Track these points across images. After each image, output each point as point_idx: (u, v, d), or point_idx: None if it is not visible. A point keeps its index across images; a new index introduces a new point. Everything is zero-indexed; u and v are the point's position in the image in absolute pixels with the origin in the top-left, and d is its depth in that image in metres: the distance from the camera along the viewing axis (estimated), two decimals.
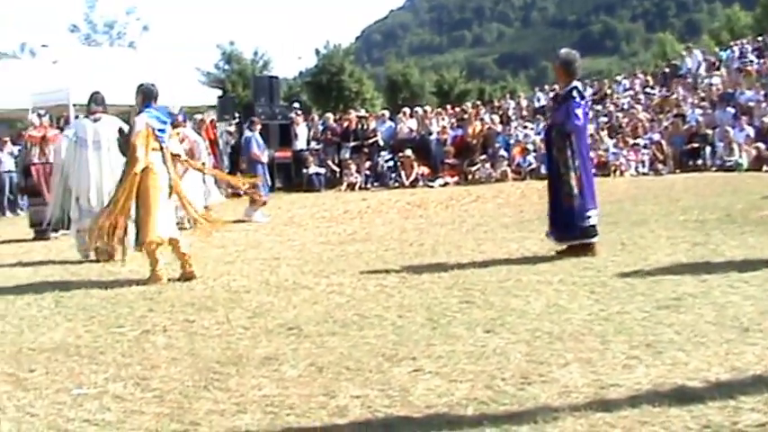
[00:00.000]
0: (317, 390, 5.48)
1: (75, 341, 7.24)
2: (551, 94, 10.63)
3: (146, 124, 9.93)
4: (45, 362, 6.58)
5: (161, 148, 9.99)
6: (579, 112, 10.15)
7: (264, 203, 17.33)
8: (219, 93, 30.72)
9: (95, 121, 12.22)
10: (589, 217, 10.10)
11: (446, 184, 23.72)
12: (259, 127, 18.47)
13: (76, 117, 12.51)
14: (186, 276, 10.02)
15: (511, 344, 6.34)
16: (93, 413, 5.26)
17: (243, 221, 16.60)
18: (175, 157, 10.45)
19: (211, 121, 22.17)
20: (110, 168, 11.91)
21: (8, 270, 11.58)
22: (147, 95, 10.22)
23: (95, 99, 12.48)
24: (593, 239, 10.12)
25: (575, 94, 10.16)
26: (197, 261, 10.47)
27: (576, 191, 10.05)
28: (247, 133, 17.89)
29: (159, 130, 10.02)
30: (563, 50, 10.58)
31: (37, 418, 5.24)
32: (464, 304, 7.82)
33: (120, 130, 10.85)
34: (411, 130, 26.68)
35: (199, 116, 22.70)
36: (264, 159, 17.36)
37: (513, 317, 7.20)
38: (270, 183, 17.56)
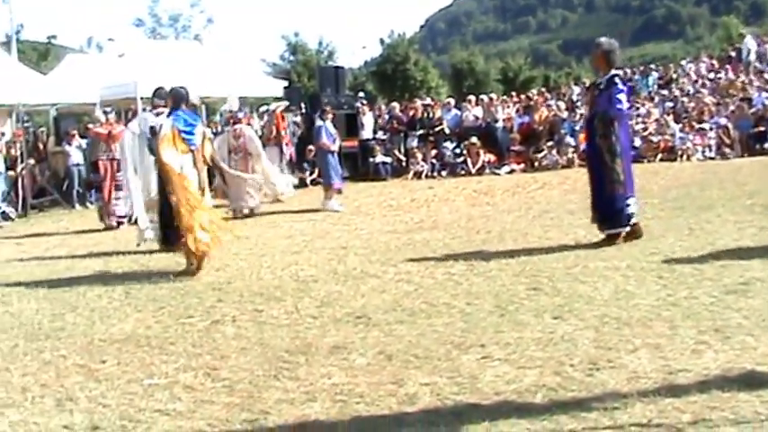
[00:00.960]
0: (385, 378, 5.50)
1: (145, 332, 7.34)
2: (586, 84, 10.53)
3: (171, 127, 10.14)
4: (116, 353, 6.69)
5: (190, 151, 10.16)
6: (622, 97, 10.09)
7: (339, 192, 17.28)
8: (285, 84, 30.79)
9: (158, 115, 12.34)
10: (629, 205, 10.04)
11: (512, 171, 23.53)
12: (331, 116, 18.45)
13: (143, 110, 12.60)
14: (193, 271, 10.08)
15: (579, 330, 6.30)
16: (164, 403, 5.33)
17: (314, 211, 16.63)
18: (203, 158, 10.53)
19: (283, 111, 22.20)
20: None
21: (79, 262, 11.76)
22: (177, 99, 10.44)
23: (158, 94, 12.61)
24: (627, 228, 10.06)
25: (617, 80, 10.11)
26: (266, 250, 10.52)
27: (622, 177, 10.00)
28: (318, 122, 17.84)
29: (186, 133, 10.19)
30: (603, 39, 10.45)
31: (109, 408, 5.32)
32: (532, 291, 7.78)
33: (152, 129, 10.95)
34: (477, 118, 26.51)
35: (272, 105, 22.71)
36: (334, 149, 17.29)
37: (581, 303, 7.14)
38: (342, 172, 17.46)
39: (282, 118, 21.55)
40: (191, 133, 10.23)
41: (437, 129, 26.05)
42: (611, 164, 9.94)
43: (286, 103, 22.71)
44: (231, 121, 18.22)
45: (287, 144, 20.64)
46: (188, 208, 9.92)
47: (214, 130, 23.03)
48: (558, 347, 5.89)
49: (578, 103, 28.55)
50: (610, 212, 10.03)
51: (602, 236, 10.15)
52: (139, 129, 12.71)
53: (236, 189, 16.75)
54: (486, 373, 5.43)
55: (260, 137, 19.07)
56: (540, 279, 8.27)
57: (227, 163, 16.41)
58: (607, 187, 10.00)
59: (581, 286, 7.80)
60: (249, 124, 18.44)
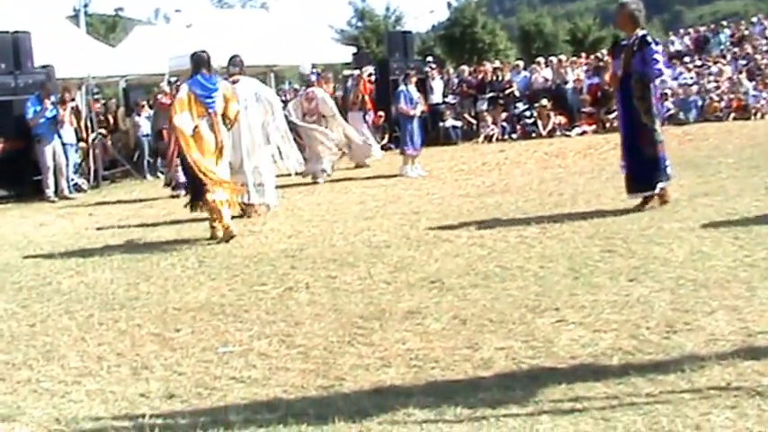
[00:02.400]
0: (460, 342, 5.49)
1: (219, 300, 7.41)
2: (609, 47, 9.99)
3: (187, 92, 10.48)
4: (190, 321, 6.75)
5: (208, 114, 10.48)
6: (659, 57, 9.93)
7: (414, 158, 17.13)
8: (354, 50, 30.76)
9: (234, 83, 12.44)
10: (668, 165, 9.99)
11: (583, 132, 23.28)
12: (414, 80, 18.37)
13: (224, 78, 12.72)
14: (226, 236, 10.38)
15: (655, 292, 6.22)
16: (239, 371, 5.37)
17: (385, 177, 16.63)
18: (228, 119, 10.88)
19: (369, 75, 22.08)
20: (247, 126, 12.16)
21: (151, 231, 11.89)
22: (197, 64, 10.70)
23: (234, 62, 12.76)
24: (666, 184, 10.00)
25: (650, 39, 9.92)
26: (338, 216, 10.56)
27: (661, 137, 9.95)
28: (401, 87, 17.72)
29: (205, 97, 10.51)
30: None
31: (184, 376, 5.37)
32: (606, 253, 7.70)
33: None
34: (546, 80, 26.25)
35: (357, 71, 22.53)
36: (414, 113, 17.10)
37: (657, 265, 7.05)
38: (420, 137, 17.34)
39: (367, 83, 21.38)
40: (209, 97, 10.53)
41: (507, 91, 25.85)
42: (652, 125, 9.85)
43: (371, 68, 22.51)
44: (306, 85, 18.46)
45: (370, 109, 20.48)
46: (197, 167, 10.31)
47: (284, 98, 23.13)
48: (633, 310, 5.82)
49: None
50: (652, 173, 9.87)
51: (636, 201, 10.02)
52: None
53: (310, 151, 16.88)
54: (562, 337, 5.39)
55: (338, 102, 19.34)
56: (615, 241, 8.18)
57: (296, 127, 16.64)
58: (648, 150, 9.86)
59: (656, 248, 7.69)
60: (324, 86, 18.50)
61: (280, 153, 12.62)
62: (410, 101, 17.13)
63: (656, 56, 9.84)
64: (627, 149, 10.14)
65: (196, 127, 10.39)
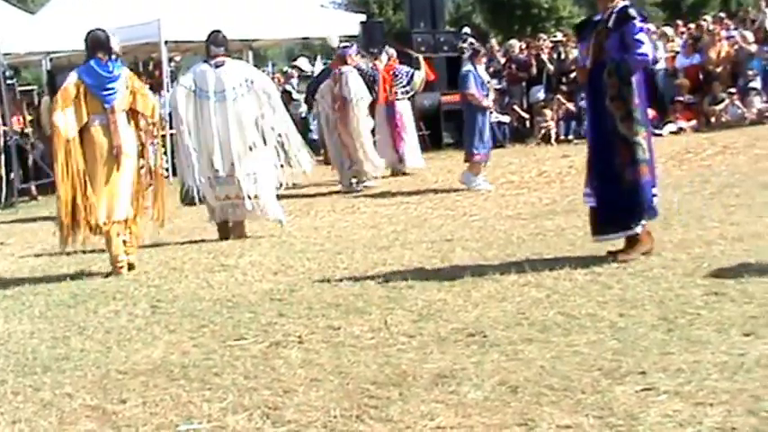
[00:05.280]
0: (510, 418, 5.48)
1: (179, 359, 7.41)
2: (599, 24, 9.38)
3: (75, 81, 10.83)
4: (140, 389, 6.73)
5: (103, 110, 10.83)
6: (644, 38, 9.51)
7: (484, 165, 17.04)
8: (362, 18, 30.81)
9: (218, 66, 12.59)
10: (655, 195, 9.60)
11: (680, 130, 23.33)
12: (485, 60, 18.47)
13: (204, 61, 12.91)
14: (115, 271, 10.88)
15: None
16: None
17: (406, 194, 16.67)
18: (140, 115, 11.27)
19: (393, 60, 22.06)
20: (237, 122, 12.58)
21: (87, 264, 11.89)
22: (92, 45, 11.07)
23: (216, 40, 12.90)
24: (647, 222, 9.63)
25: (633, 13, 9.43)
26: (342, 246, 10.59)
27: (647, 155, 9.46)
28: (467, 67, 17.67)
29: (99, 88, 10.84)
30: None
31: None
32: (712, 296, 7.70)
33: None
34: None
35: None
36: (487, 104, 16.98)
37: None
38: (496, 138, 17.36)
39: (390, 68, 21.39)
40: (105, 88, 10.82)
41: (572, 75, 25.89)
42: (632, 137, 9.39)
43: (392, 51, 22.47)
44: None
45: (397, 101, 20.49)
46: (66, 182, 10.77)
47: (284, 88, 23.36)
48: (751, 376, 5.80)
49: None
50: (633, 206, 9.45)
51: (610, 246, 9.67)
52: (195, 84, 13.01)
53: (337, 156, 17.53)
54: (650, 412, 5.38)
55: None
56: (724, 280, 8.17)
57: (329, 119, 18.02)
58: (626, 172, 9.41)
59: None
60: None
61: (286, 156, 12.92)
62: (481, 85, 16.99)
63: (640, 35, 9.43)
64: (596, 171, 9.78)
65: (85, 126, 10.77)
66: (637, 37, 9.33)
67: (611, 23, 9.43)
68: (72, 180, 10.74)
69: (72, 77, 10.96)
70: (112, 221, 10.82)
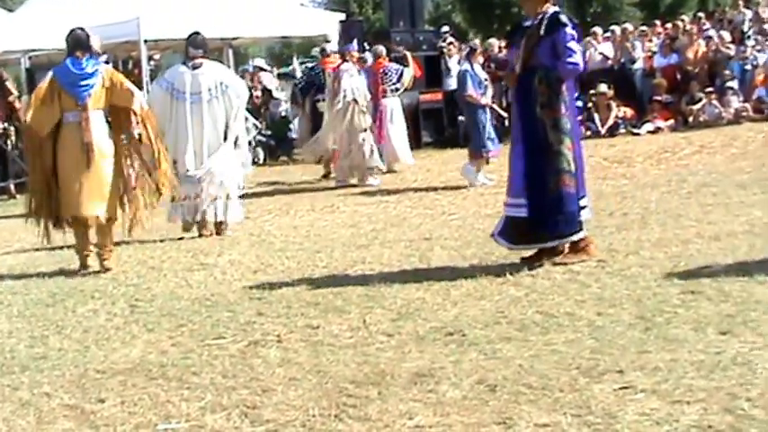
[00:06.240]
0: (488, 417, 5.49)
1: (158, 359, 7.39)
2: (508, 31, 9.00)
3: (49, 80, 11.00)
4: (119, 388, 6.72)
5: (77, 107, 10.89)
6: (575, 46, 9.41)
7: (487, 161, 17.05)
8: (342, 17, 30.79)
9: (195, 68, 12.68)
10: (583, 207, 9.47)
11: (657, 129, 23.35)
12: (481, 59, 18.51)
13: (183, 63, 13.07)
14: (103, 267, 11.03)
15: (757, 350, 6.23)
16: None
17: (386, 192, 16.67)
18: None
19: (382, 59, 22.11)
20: (212, 122, 12.78)
21: (66, 263, 11.73)
22: (72, 44, 11.16)
23: (195, 42, 13.05)
24: (581, 234, 9.46)
25: (563, 19, 9.37)
26: (321, 244, 10.60)
27: (571, 166, 9.30)
28: (463, 66, 17.70)
29: (72, 85, 10.91)
30: None
31: None
32: (689, 295, 7.72)
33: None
34: (606, 58, 26.33)
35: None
36: (485, 101, 17.02)
37: (760, 311, 7.06)
38: (494, 136, 17.31)
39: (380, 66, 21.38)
40: (78, 85, 10.89)
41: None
42: (558, 146, 9.27)
43: (382, 49, 22.41)
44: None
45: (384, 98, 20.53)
46: (37, 177, 11.09)
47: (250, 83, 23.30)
48: (727, 374, 5.82)
49: (749, 33, 28.13)
50: (553, 216, 9.31)
51: (529, 252, 9.57)
52: (172, 85, 13.15)
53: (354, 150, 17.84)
54: (628, 410, 5.38)
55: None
56: (701, 279, 8.19)
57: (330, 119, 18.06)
58: (550, 181, 9.26)
59: (758, 288, 7.71)
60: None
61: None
62: (479, 84, 17.00)
63: (571, 43, 9.31)
64: (527, 179, 9.55)
65: (59, 124, 10.88)
66: (568, 45, 9.26)
67: (542, 30, 9.36)
68: (43, 175, 10.94)
69: (48, 76, 11.14)
70: (83, 216, 10.90)
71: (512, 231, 9.56)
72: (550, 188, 9.25)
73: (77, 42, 11.09)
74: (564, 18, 9.37)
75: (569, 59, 9.25)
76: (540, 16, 9.38)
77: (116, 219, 11.17)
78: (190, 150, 12.79)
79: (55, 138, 10.91)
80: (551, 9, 9.42)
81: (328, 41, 22.80)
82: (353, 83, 18.00)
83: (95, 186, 10.90)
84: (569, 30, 9.29)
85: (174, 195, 12.59)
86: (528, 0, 9.65)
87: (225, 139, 12.94)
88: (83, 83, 10.89)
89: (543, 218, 9.31)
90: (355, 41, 20.37)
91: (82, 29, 11.31)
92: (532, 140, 9.43)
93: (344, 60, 18.59)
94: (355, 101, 17.73)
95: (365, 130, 17.93)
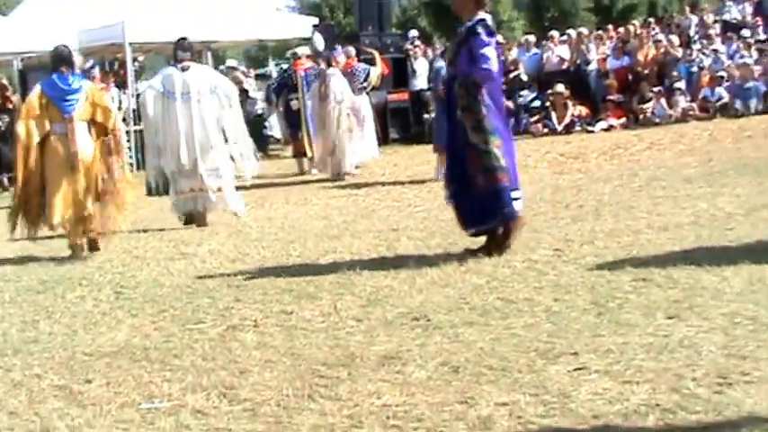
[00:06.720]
0: (451, 396, 5.48)
1: (141, 342, 7.38)
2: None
3: (38, 94, 11.22)
4: (105, 369, 6.71)
5: (63, 119, 11.12)
6: (490, 52, 9.34)
7: None
8: (315, 21, 30.73)
9: (184, 70, 12.80)
10: (516, 199, 9.40)
11: (610, 127, 23.39)
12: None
13: (171, 64, 13.33)
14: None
15: (702, 333, 6.23)
16: None
17: (356, 186, 16.66)
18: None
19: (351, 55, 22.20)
20: (200, 122, 12.94)
21: (55, 252, 11.75)
22: (55, 60, 11.44)
23: (182, 46, 13.29)
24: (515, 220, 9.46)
25: (479, 29, 9.32)
26: (295, 235, 10.60)
27: (502, 162, 9.26)
28: (438, 63, 17.68)
29: (60, 99, 11.16)
30: None
31: None
32: (639, 282, 7.72)
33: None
34: (562, 60, 26.36)
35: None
36: None
37: (705, 298, 7.07)
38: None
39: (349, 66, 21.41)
40: (65, 99, 11.13)
41: (512, 75, 25.93)
42: (484, 145, 9.22)
43: (351, 50, 22.39)
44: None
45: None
46: (24, 183, 11.21)
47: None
48: (674, 356, 5.83)
49: (696, 38, 28.22)
50: (489, 209, 9.31)
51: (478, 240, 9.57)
52: (163, 87, 13.29)
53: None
54: (582, 390, 5.39)
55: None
56: (651, 267, 8.18)
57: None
58: (479, 178, 9.27)
59: (704, 276, 7.71)
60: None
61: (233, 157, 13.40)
62: None
63: (485, 50, 9.26)
64: (452, 176, 9.73)
65: (47, 135, 11.09)
66: (482, 51, 9.21)
67: (462, 38, 9.45)
68: (30, 181, 11.10)
69: (36, 90, 11.38)
70: (70, 219, 11.13)
71: (457, 220, 9.74)
72: (478, 185, 9.26)
73: (61, 58, 11.35)
74: (480, 28, 9.32)
75: (483, 65, 9.21)
76: (466, 25, 9.44)
77: (94, 215, 11.30)
78: (183, 146, 12.92)
79: (42, 147, 11.09)
80: (477, 17, 9.40)
81: (315, 44, 22.75)
82: (340, 86, 18.03)
83: (81, 192, 11.10)
84: (484, 37, 9.27)
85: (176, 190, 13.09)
86: (460, 8, 9.66)
87: (219, 135, 13.14)
88: (69, 97, 11.14)
89: (472, 211, 9.44)
90: (340, 47, 20.38)
91: (65, 46, 11.65)
92: (456, 142, 9.48)
93: (330, 65, 18.70)
94: (341, 102, 17.74)
95: (350, 131, 17.98)
